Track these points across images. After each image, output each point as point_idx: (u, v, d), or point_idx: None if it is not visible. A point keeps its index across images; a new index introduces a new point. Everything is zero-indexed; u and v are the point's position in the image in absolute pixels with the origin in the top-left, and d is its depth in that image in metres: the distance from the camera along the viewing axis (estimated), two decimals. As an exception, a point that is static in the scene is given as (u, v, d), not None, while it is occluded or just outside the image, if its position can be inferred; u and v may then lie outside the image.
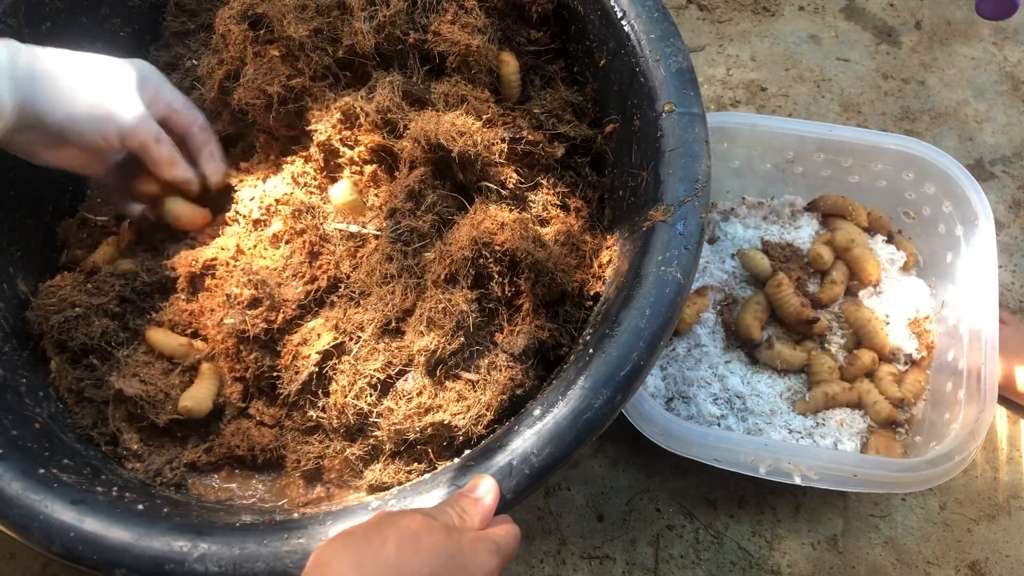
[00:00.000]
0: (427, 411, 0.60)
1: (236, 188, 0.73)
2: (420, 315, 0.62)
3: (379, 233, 0.66)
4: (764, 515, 0.83)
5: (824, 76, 1.13)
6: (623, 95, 0.70)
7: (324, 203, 0.69)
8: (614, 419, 0.55)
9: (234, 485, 0.66)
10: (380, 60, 0.71)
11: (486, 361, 0.62)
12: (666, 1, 0.94)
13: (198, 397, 0.65)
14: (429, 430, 0.60)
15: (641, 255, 0.60)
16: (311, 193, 0.70)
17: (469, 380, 0.62)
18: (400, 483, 0.60)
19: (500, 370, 0.62)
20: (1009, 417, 0.89)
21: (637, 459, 0.85)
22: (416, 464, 0.61)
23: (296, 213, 0.67)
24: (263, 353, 0.65)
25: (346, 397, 0.62)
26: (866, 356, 0.85)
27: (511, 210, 0.66)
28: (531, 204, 0.70)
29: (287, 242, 0.67)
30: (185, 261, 0.69)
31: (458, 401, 0.61)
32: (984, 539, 0.82)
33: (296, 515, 0.57)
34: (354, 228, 0.67)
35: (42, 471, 0.56)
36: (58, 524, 0.53)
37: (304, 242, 0.66)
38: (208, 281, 0.68)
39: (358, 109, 0.68)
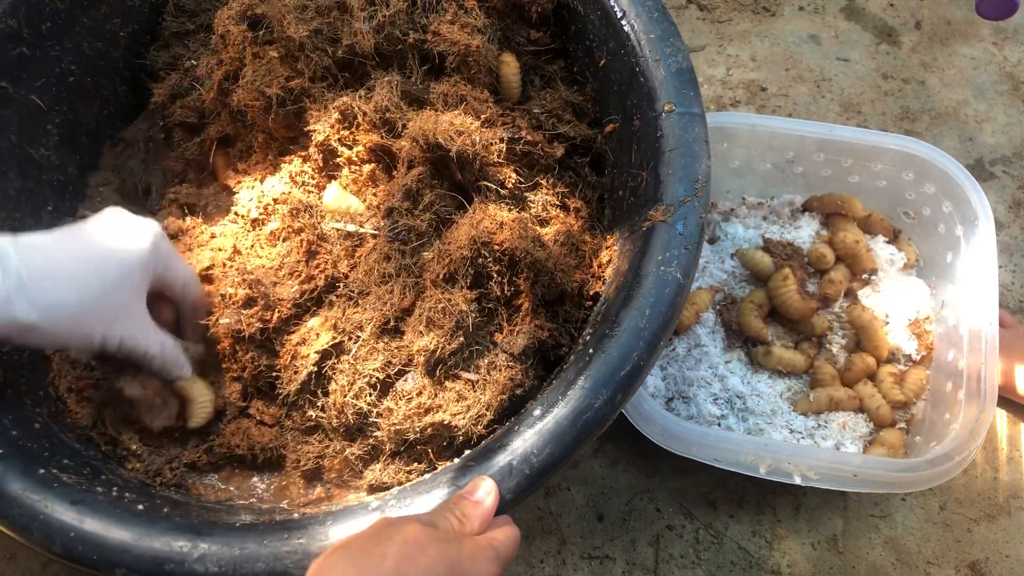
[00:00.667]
0: (427, 411, 0.60)
1: (235, 189, 0.73)
2: (419, 315, 0.62)
3: (377, 232, 0.66)
4: (764, 515, 0.83)
5: (824, 76, 1.13)
6: (623, 95, 0.70)
7: (322, 203, 0.69)
8: (614, 419, 0.55)
9: (234, 485, 0.66)
10: (379, 60, 0.71)
11: (486, 361, 0.62)
12: (666, 1, 0.94)
13: (205, 409, 0.66)
14: (429, 430, 0.60)
15: (641, 255, 0.60)
16: (309, 192, 0.70)
17: (469, 380, 0.62)
18: (400, 483, 0.60)
19: (500, 370, 0.62)
20: (1009, 417, 0.89)
21: (637, 459, 0.85)
22: (416, 464, 0.61)
23: (294, 212, 0.67)
24: (260, 353, 0.65)
25: (346, 397, 0.61)
26: (866, 360, 0.85)
27: (510, 210, 0.66)
28: (530, 204, 0.70)
29: (284, 240, 0.67)
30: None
31: (458, 401, 0.60)
32: (984, 539, 0.82)
33: (296, 515, 0.57)
34: (352, 227, 0.67)
35: (42, 471, 0.56)
36: (58, 524, 0.53)
37: (301, 241, 0.66)
38: (207, 287, 0.68)
39: (356, 109, 0.68)
